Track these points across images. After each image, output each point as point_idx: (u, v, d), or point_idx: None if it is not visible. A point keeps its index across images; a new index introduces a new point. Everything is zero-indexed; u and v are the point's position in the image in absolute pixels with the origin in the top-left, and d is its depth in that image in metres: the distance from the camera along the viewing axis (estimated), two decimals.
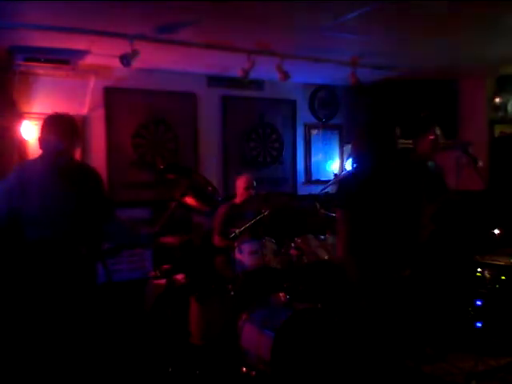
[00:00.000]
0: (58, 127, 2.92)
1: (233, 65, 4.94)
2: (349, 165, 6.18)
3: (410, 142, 4.25)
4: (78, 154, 3.14)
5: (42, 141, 2.92)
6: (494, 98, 6.04)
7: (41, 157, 2.92)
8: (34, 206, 2.75)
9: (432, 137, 4.07)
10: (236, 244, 4.34)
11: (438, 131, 4.12)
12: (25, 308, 2.73)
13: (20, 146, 4.65)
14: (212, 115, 5.87)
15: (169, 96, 5.55)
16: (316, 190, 5.69)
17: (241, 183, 5.01)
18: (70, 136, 2.95)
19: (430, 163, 4.14)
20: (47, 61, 4.50)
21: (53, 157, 2.87)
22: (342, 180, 3.43)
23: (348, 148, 6.62)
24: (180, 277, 4.38)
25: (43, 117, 2.99)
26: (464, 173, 4.29)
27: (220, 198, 4.47)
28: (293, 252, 4.49)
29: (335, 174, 5.92)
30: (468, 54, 5.07)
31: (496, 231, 4.89)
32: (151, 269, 4.65)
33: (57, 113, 2.98)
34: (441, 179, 4.17)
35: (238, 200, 5.02)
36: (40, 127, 2.95)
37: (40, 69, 4.65)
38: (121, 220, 3.08)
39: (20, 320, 2.73)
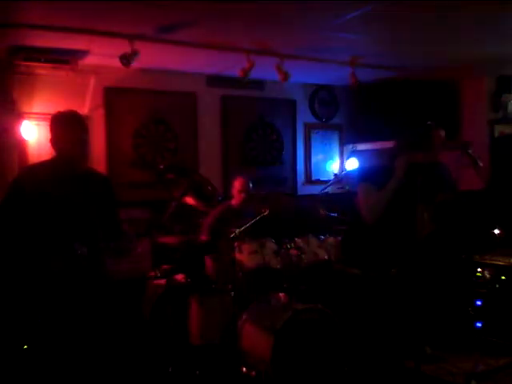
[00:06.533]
0: (74, 126, 2.79)
1: (233, 65, 4.94)
2: (349, 165, 6.19)
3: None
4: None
5: (56, 141, 2.78)
6: (494, 98, 6.04)
7: (52, 161, 2.82)
8: (40, 210, 2.72)
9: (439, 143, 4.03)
10: (236, 244, 4.33)
11: (443, 133, 4.07)
12: (26, 308, 2.73)
13: (20, 145, 4.65)
14: (212, 115, 5.87)
15: (169, 96, 5.55)
16: (316, 189, 5.70)
17: (235, 185, 4.96)
18: (83, 135, 2.83)
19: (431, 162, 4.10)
20: (47, 61, 4.51)
21: (66, 162, 2.79)
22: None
23: (348, 148, 6.63)
24: (180, 277, 4.37)
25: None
26: (464, 173, 4.28)
27: (220, 198, 4.47)
28: (293, 252, 4.48)
29: (335, 174, 5.92)
30: (468, 54, 5.07)
31: (496, 231, 4.89)
32: (151, 269, 4.65)
33: (69, 111, 2.83)
34: (443, 178, 4.15)
35: (234, 202, 4.98)
36: (52, 126, 2.79)
37: (40, 69, 4.66)
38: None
39: (21, 320, 2.74)
